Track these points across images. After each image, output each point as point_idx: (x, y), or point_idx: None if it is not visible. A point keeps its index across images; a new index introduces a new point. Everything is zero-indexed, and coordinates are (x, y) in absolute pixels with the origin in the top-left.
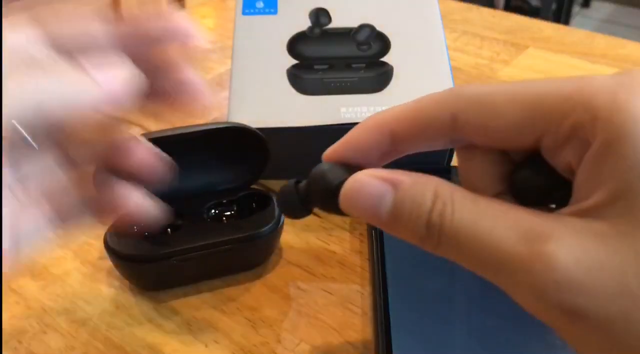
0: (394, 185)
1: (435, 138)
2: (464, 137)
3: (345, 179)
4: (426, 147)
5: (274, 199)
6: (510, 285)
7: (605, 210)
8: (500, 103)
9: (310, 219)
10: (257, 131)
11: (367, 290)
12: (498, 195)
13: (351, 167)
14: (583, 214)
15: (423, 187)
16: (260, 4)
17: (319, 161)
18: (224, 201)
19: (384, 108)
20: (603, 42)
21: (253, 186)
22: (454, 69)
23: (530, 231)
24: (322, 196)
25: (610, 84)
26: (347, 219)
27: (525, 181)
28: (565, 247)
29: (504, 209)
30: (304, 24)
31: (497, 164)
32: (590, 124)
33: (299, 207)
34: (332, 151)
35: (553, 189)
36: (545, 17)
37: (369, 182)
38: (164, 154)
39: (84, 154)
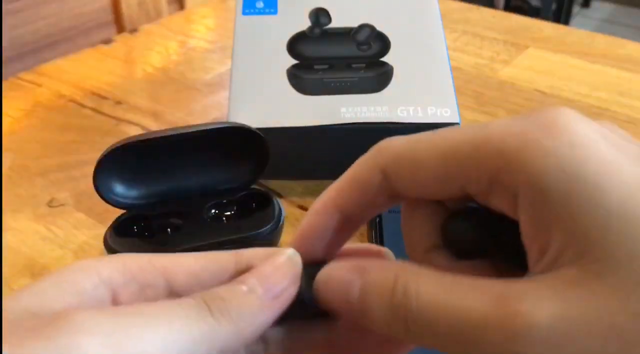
0: (362, 271)
1: (376, 199)
2: (398, 193)
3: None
4: (375, 211)
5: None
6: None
7: (565, 257)
8: (421, 156)
9: None
10: (257, 131)
11: None
12: (436, 248)
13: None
14: (544, 268)
15: (387, 267)
16: (260, 4)
17: (319, 161)
18: (224, 201)
19: (384, 108)
20: (603, 42)
21: (253, 186)
22: (454, 69)
23: (501, 295)
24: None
25: (517, 125)
26: None
27: (455, 233)
28: (541, 303)
29: (470, 280)
30: (304, 24)
31: (434, 216)
32: (507, 169)
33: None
34: (294, 249)
35: (485, 240)
36: (545, 17)
37: (338, 270)
38: None
39: None
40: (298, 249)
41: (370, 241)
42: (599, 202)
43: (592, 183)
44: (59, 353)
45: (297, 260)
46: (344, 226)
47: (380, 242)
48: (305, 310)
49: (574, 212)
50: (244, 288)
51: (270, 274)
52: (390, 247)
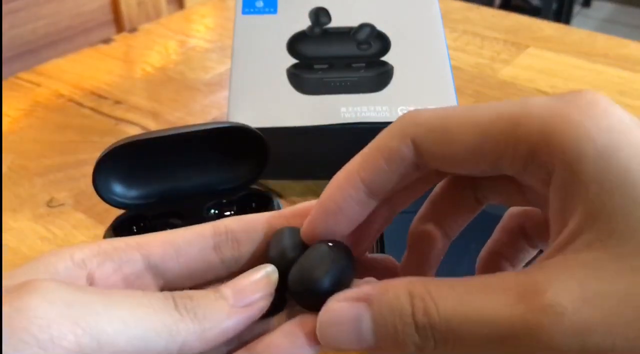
0: (366, 301)
1: (403, 170)
2: (426, 165)
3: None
4: (400, 184)
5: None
6: (526, 352)
7: (585, 237)
8: (455, 128)
9: None
10: (257, 131)
11: None
12: None
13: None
14: (563, 248)
15: (396, 291)
16: (260, 4)
17: (319, 161)
18: (224, 201)
19: (384, 108)
20: (604, 41)
21: (253, 186)
22: (454, 69)
23: (520, 291)
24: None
25: (559, 105)
26: None
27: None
28: (564, 291)
29: (484, 281)
30: (304, 23)
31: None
32: (546, 148)
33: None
34: (311, 226)
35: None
36: (545, 17)
37: (340, 308)
38: None
39: None
40: (313, 226)
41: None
42: (628, 189)
43: (624, 169)
44: (12, 314)
45: (274, 277)
46: (365, 201)
47: (381, 242)
48: (281, 308)
49: (603, 195)
50: (216, 294)
51: (245, 286)
52: (391, 251)
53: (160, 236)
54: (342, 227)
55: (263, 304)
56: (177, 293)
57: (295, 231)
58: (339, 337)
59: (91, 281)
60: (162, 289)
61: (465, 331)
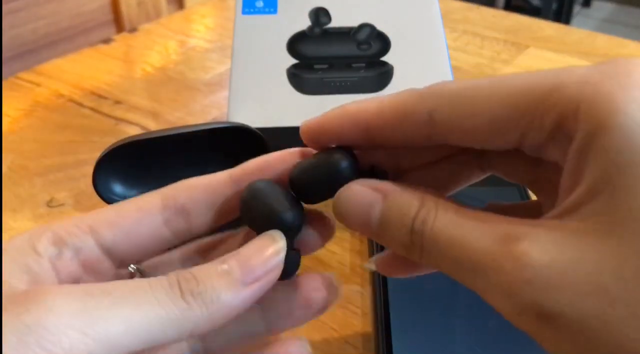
0: (384, 194)
1: (410, 135)
2: (440, 136)
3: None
4: (402, 144)
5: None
6: (484, 287)
7: (584, 207)
8: (481, 100)
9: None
10: (257, 131)
11: (367, 290)
12: None
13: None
14: (563, 214)
15: (410, 196)
16: (260, 4)
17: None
18: None
19: None
20: (604, 41)
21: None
22: (454, 69)
23: (505, 234)
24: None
25: (593, 74)
26: None
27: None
28: (539, 246)
29: (485, 216)
30: (304, 23)
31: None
32: (574, 117)
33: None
34: (308, 127)
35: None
36: (545, 17)
37: (360, 191)
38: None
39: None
40: (309, 129)
41: (370, 240)
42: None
43: None
44: (23, 330)
45: (282, 244)
46: (359, 140)
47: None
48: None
49: (613, 168)
50: (222, 267)
51: (252, 256)
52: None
53: (109, 217)
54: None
55: (273, 276)
56: (182, 276)
57: (268, 183)
58: (349, 214)
59: (57, 272)
60: (120, 267)
61: (446, 250)
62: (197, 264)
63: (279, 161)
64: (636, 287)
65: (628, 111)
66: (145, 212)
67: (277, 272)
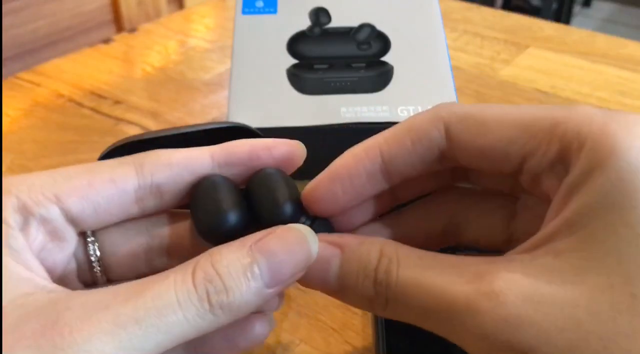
0: (341, 247)
1: (426, 156)
2: (453, 155)
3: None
4: (418, 169)
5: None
6: (458, 331)
7: (559, 241)
8: (491, 120)
9: None
10: (257, 131)
11: None
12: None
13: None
14: (536, 245)
15: (369, 246)
16: (260, 4)
17: (319, 161)
18: None
19: (384, 108)
20: (604, 41)
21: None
22: (454, 69)
23: (476, 273)
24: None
25: (604, 116)
26: None
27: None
28: (513, 284)
29: (450, 259)
30: (304, 23)
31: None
32: (577, 151)
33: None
34: (314, 187)
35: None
36: (545, 17)
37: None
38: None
39: None
40: (320, 186)
41: None
42: (627, 215)
43: (635, 191)
44: None
45: (315, 247)
46: (377, 176)
47: None
48: None
49: (598, 209)
50: (252, 270)
51: (283, 261)
52: None
53: (79, 187)
54: (345, 198)
55: (297, 278)
56: (210, 284)
57: (221, 182)
58: (307, 273)
59: (28, 244)
60: (80, 233)
61: (414, 298)
62: (163, 225)
63: (265, 150)
64: (609, 320)
65: (627, 156)
66: (118, 188)
67: (302, 274)
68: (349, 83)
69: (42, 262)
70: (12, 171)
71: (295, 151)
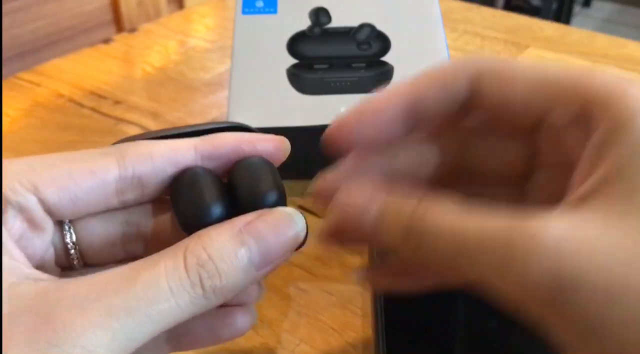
0: (383, 193)
1: (451, 102)
2: (480, 101)
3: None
4: (442, 113)
5: None
6: (492, 277)
7: (600, 193)
8: (520, 73)
9: (310, 219)
10: (257, 131)
11: (367, 290)
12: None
13: None
14: (578, 200)
15: (408, 195)
16: (260, 4)
17: (319, 161)
18: None
19: None
20: (604, 41)
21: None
22: None
23: (513, 217)
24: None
25: (624, 80)
26: None
27: None
28: (557, 223)
29: (490, 209)
30: (304, 23)
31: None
32: (601, 111)
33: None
34: (341, 124)
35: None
36: (545, 17)
37: (356, 193)
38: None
39: None
40: (347, 122)
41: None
42: None
43: None
44: None
45: (302, 226)
46: (399, 123)
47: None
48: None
49: (634, 161)
50: (244, 252)
51: (272, 241)
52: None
53: (57, 178)
54: (368, 136)
55: (285, 259)
56: (203, 268)
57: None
58: (346, 216)
59: (8, 233)
60: (57, 222)
61: (444, 236)
62: (141, 214)
63: (249, 144)
64: None
65: None
66: (99, 179)
67: (290, 255)
68: (349, 83)
69: (22, 250)
70: None
71: (279, 145)
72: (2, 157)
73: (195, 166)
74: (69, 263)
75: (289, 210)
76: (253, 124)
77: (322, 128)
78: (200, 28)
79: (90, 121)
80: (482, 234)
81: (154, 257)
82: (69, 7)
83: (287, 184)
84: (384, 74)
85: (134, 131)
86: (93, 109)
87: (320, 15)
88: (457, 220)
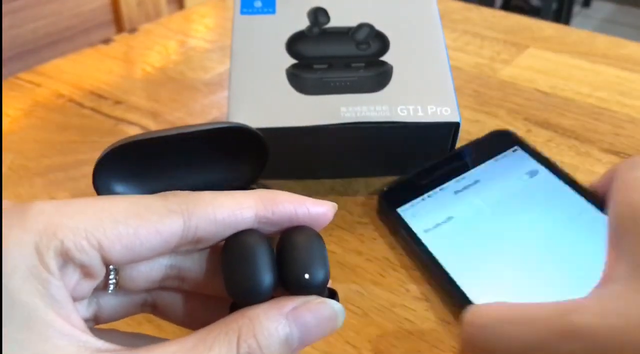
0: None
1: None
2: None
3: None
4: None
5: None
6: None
7: (618, 277)
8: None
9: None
10: (257, 131)
11: (367, 290)
12: None
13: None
14: (603, 282)
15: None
16: (258, 4)
17: (319, 161)
18: None
19: (383, 107)
20: (604, 42)
21: (253, 186)
22: (454, 69)
23: (561, 307)
24: None
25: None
26: (347, 219)
27: None
28: (588, 309)
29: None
30: (303, 23)
31: None
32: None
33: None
34: None
35: None
36: (545, 17)
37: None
38: None
39: None
40: None
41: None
42: None
43: None
44: None
45: (341, 321)
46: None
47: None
48: None
49: None
50: (285, 332)
51: (313, 329)
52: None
53: (124, 236)
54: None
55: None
56: (247, 343)
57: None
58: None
59: (66, 288)
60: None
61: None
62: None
63: (304, 209)
64: None
65: None
66: (163, 239)
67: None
68: (348, 83)
69: (72, 297)
70: (12, 171)
71: (330, 212)
72: (2, 157)
73: (251, 231)
74: (103, 288)
75: (335, 306)
76: (253, 124)
77: (322, 128)
78: (200, 28)
79: (90, 121)
80: (537, 325)
81: (208, 338)
82: (69, 7)
83: (287, 184)
84: (383, 73)
85: (134, 131)
86: (93, 109)
87: (318, 15)
88: (509, 313)
